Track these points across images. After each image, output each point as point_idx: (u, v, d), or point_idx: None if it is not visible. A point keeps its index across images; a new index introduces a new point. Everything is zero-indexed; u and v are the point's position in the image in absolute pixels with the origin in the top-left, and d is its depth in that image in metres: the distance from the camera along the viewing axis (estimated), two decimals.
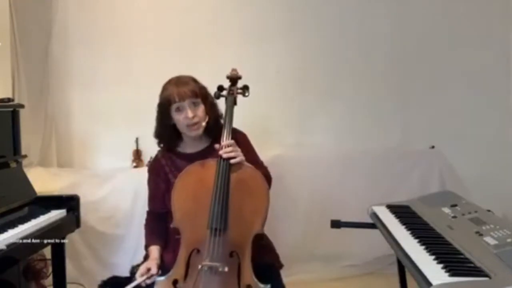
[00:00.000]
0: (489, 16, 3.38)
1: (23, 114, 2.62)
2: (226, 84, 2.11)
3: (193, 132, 1.98)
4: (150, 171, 2.11)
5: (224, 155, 1.85)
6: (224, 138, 1.91)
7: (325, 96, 3.45)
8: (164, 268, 1.91)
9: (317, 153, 3.41)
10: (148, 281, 1.83)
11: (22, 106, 2.51)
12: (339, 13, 3.49)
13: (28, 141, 2.97)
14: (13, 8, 3.03)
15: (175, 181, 1.94)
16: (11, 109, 2.41)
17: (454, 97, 3.41)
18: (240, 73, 2.12)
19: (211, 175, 1.84)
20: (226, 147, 1.86)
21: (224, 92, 2.09)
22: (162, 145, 2.09)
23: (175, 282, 1.77)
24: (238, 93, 2.08)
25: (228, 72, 2.12)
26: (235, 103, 2.05)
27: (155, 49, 3.44)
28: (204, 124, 1.97)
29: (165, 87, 1.99)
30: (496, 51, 3.38)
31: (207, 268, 1.73)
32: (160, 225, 2.05)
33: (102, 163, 3.48)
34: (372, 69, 3.49)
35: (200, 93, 1.96)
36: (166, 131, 2.02)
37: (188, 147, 2.07)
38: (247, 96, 2.09)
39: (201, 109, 1.97)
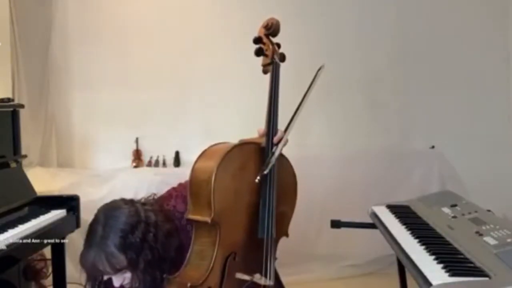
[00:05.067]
0: (489, 17, 3.39)
1: (23, 114, 2.62)
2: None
3: None
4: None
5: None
6: (272, 126, 1.65)
7: (325, 96, 3.45)
8: None
9: (317, 153, 3.41)
10: None
11: (22, 106, 2.51)
12: (339, 13, 3.49)
13: (28, 141, 2.97)
14: (13, 8, 3.03)
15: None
16: (11, 109, 2.40)
17: (454, 97, 3.42)
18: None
19: (251, 166, 1.60)
20: (284, 143, 1.62)
21: (265, 48, 1.69)
22: None
23: None
24: (278, 58, 1.70)
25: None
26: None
27: (155, 49, 3.45)
28: None
29: (84, 245, 1.55)
30: (496, 51, 3.39)
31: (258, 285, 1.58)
32: None
33: (102, 163, 3.48)
34: (372, 69, 3.49)
35: (127, 262, 1.50)
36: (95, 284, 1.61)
37: None
38: (283, 61, 1.75)
39: (128, 275, 1.55)
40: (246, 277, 1.58)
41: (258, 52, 1.69)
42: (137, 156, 3.46)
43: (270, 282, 1.59)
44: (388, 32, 3.48)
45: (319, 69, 1.64)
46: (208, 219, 1.52)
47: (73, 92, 3.51)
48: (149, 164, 3.40)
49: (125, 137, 3.45)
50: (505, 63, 3.38)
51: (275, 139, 1.63)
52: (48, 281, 2.53)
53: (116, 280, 1.53)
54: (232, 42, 3.44)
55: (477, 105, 3.41)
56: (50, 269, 2.47)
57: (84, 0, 3.49)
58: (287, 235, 1.76)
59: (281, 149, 1.61)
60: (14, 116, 2.40)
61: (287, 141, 1.66)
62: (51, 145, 3.44)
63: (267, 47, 1.69)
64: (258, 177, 1.54)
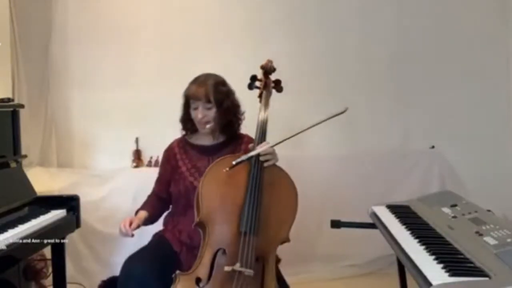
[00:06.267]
0: (489, 16, 3.39)
1: (23, 114, 2.62)
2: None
3: (201, 129, 2.10)
4: (163, 157, 2.21)
5: (262, 158, 1.87)
6: (260, 138, 1.93)
7: (325, 95, 3.45)
8: (167, 245, 1.96)
9: (317, 153, 3.41)
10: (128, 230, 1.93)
11: (22, 106, 2.51)
12: (339, 14, 3.49)
13: (28, 141, 2.96)
14: (13, 8, 3.03)
15: (184, 169, 2.07)
16: (11, 109, 2.40)
17: (454, 97, 3.42)
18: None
19: (241, 172, 1.85)
20: (266, 152, 1.86)
21: (259, 84, 2.09)
22: (184, 131, 2.19)
23: (198, 281, 1.73)
24: (272, 87, 2.09)
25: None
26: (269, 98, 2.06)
27: (155, 49, 3.45)
28: (209, 126, 2.06)
29: (190, 83, 2.09)
30: (496, 51, 3.39)
31: (239, 273, 1.72)
32: (158, 205, 2.16)
33: (102, 163, 3.48)
34: (372, 69, 3.50)
35: (214, 99, 2.03)
36: (186, 118, 2.14)
37: (202, 139, 2.15)
38: (281, 91, 2.11)
39: (212, 113, 2.05)
40: (227, 268, 1.72)
41: (249, 86, 2.11)
42: (137, 156, 3.45)
43: (248, 270, 1.72)
44: (388, 31, 3.48)
45: (341, 112, 1.94)
46: (197, 219, 1.82)
47: (73, 92, 3.50)
48: (149, 164, 3.40)
49: (125, 137, 3.44)
50: (505, 63, 3.38)
51: (258, 146, 1.90)
52: (48, 281, 2.54)
53: (202, 112, 2.03)
54: (232, 42, 3.44)
55: (477, 105, 3.41)
56: (50, 269, 2.47)
57: (84, 0, 3.49)
58: (288, 240, 1.89)
59: (259, 152, 1.85)
60: (14, 116, 2.40)
61: (273, 150, 1.90)
62: (51, 145, 3.44)
63: (261, 82, 2.09)
64: (227, 168, 1.81)
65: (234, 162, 1.81)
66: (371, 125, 3.49)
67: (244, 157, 1.83)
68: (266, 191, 1.83)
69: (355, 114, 3.47)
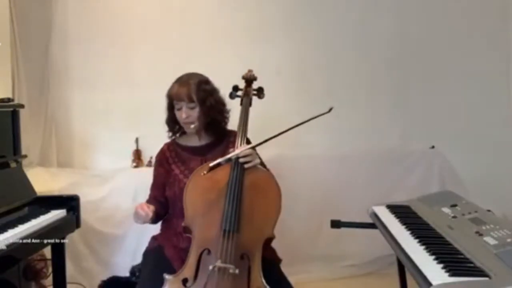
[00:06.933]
0: (489, 16, 3.39)
1: (23, 114, 2.62)
2: (242, 84, 2.21)
3: (186, 129, 2.12)
4: (156, 161, 2.22)
5: (241, 160, 1.90)
6: (240, 141, 1.99)
7: (325, 95, 3.45)
8: (166, 263, 1.94)
9: (317, 153, 3.41)
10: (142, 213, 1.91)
11: (22, 106, 2.51)
12: (339, 14, 3.50)
13: (28, 141, 2.96)
14: (13, 8, 3.03)
15: (178, 172, 2.07)
16: (11, 109, 2.40)
17: (454, 97, 3.42)
18: (255, 74, 2.19)
19: (224, 175, 1.90)
20: (244, 154, 1.91)
21: (240, 93, 2.18)
22: (170, 133, 2.20)
23: (184, 281, 1.78)
24: (253, 94, 2.18)
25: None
26: (250, 104, 2.15)
27: (155, 49, 3.45)
28: (194, 126, 2.07)
29: (173, 83, 2.11)
30: (496, 51, 3.39)
31: (219, 270, 1.76)
32: (157, 206, 2.09)
33: (102, 163, 3.48)
34: (372, 68, 3.50)
35: (197, 98, 2.04)
36: (171, 120, 2.16)
37: (191, 140, 2.17)
38: (262, 98, 2.19)
39: (195, 112, 2.06)
40: (211, 266, 1.76)
41: (230, 96, 2.19)
42: (137, 156, 3.45)
43: (230, 266, 1.75)
44: (388, 31, 3.48)
45: (326, 112, 1.97)
46: (183, 224, 1.89)
47: (73, 92, 3.50)
48: (149, 164, 3.39)
49: (125, 137, 3.44)
50: (505, 63, 3.38)
51: (237, 149, 1.96)
52: (48, 281, 2.54)
53: (185, 112, 2.04)
54: (233, 43, 3.44)
55: (477, 105, 3.41)
56: (50, 269, 2.47)
57: (84, 0, 3.49)
58: (273, 237, 1.91)
59: (237, 154, 1.90)
60: (14, 116, 2.40)
61: (252, 152, 1.94)
62: (51, 145, 3.44)
63: (242, 91, 2.19)
64: (205, 171, 1.87)
65: (211, 165, 1.87)
66: (371, 125, 3.49)
67: (221, 160, 1.89)
68: (248, 191, 1.88)
69: (355, 114, 3.48)
